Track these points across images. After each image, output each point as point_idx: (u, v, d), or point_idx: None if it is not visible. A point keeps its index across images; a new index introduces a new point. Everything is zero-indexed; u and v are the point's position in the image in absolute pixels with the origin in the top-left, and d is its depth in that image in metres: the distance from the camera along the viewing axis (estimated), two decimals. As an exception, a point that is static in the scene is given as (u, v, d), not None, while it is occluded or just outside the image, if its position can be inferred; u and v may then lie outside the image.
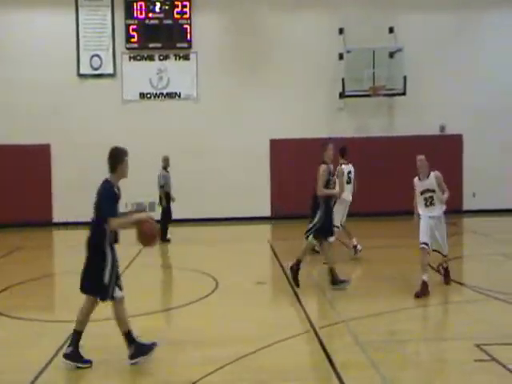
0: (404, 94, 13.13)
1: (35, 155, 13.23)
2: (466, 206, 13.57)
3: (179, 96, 13.64)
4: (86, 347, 4.49)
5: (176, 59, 13.61)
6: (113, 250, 4.44)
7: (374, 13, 13.35)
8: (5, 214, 12.78)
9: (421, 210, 6.21)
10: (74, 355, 4.40)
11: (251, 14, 13.62)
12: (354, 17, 13.38)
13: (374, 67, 12.98)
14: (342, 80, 13.06)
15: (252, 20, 13.65)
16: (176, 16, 13.34)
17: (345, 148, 8.47)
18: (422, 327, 5.68)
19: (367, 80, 12.90)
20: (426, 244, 6.09)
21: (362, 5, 13.43)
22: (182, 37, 13.39)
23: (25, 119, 13.21)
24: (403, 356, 4.66)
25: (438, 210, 6.14)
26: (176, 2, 13.33)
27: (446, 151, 13.02)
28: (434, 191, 6.10)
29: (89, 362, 4.43)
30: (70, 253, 10.09)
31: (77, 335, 4.44)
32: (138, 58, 13.56)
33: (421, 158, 6.16)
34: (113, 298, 4.40)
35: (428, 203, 6.12)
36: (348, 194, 8.32)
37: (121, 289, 4.47)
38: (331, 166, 6.74)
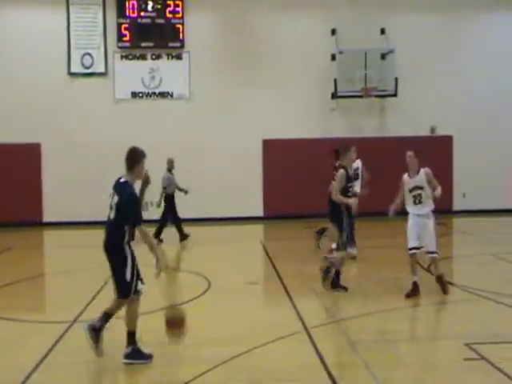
0: (395, 95, 13.24)
1: (25, 154, 13.10)
2: (456, 207, 13.70)
3: (171, 96, 13.60)
4: (79, 346, 4.46)
5: (168, 59, 13.57)
6: (130, 247, 4.51)
7: (366, 14, 13.43)
8: (-6, 214, 12.66)
9: (409, 207, 6.21)
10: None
11: (244, 13, 13.62)
12: (347, 18, 13.44)
13: (366, 68, 13.07)
14: (335, 81, 13.12)
15: (245, 20, 13.65)
16: (168, 15, 13.29)
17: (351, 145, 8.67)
18: (412, 327, 5.73)
19: (359, 81, 12.99)
20: (415, 250, 6.12)
21: (355, 6, 13.50)
22: (175, 36, 13.34)
23: (15, 118, 13.07)
24: (394, 356, 4.70)
25: (427, 208, 6.14)
26: (168, 2, 13.26)
27: (436, 152, 13.13)
28: (422, 188, 6.09)
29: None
30: (60, 253, 10.04)
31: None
32: (130, 57, 13.49)
33: (410, 154, 6.14)
34: (136, 292, 4.45)
35: (417, 201, 6.12)
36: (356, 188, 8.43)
37: (142, 282, 4.57)
38: (350, 171, 6.50)
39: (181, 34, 13.34)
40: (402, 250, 6.33)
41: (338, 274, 6.54)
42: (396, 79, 13.12)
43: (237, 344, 4.81)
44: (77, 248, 10.25)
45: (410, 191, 6.16)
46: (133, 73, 13.40)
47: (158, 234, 10.20)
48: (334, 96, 13.32)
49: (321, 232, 9.09)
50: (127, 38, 13.27)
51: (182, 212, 10.71)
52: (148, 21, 13.27)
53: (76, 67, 13.32)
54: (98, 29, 13.36)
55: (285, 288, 6.76)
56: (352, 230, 6.44)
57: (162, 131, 13.25)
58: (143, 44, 13.32)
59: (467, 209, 13.60)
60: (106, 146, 13.02)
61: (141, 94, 13.53)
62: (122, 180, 4.53)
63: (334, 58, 13.21)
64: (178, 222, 10.51)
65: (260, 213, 13.59)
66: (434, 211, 6.29)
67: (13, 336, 5.24)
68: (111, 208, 4.46)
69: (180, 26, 13.34)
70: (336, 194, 6.34)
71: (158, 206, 10.49)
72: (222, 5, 13.53)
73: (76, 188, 13.00)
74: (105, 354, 4.58)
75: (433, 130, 13.94)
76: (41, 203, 13.24)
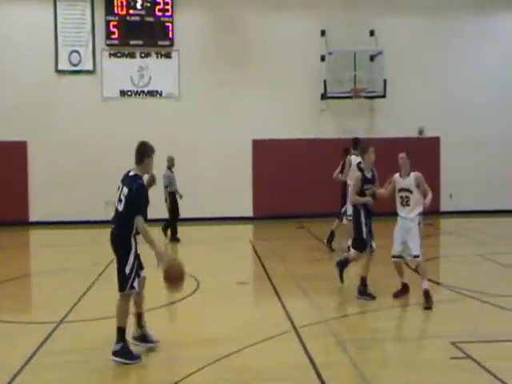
0: (384, 96, 13.35)
1: (11, 153, 12.90)
2: (443, 208, 13.85)
3: (160, 94, 13.52)
4: (65, 347, 4.41)
5: (157, 57, 13.49)
6: (136, 241, 4.49)
7: (355, 16, 13.50)
8: (-21, 213, 12.45)
9: (398, 209, 6.23)
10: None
11: (234, 13, 13.60)
12: (336, 19, 13.51)
13: (355, 69, 13.15)
14: (324, 81, 13.18)
15: (235, 19, 13.63)
16: (158, 13, 13.21)
17: (358, 139, 8.79)
18: (400, 326, 5.77)
19: (348, 82, 13.06)
20: (398, 257, 6.16)
21: (344, 7, 13.57)
22: (164, 34, 13.26)
23: (0, 116, 12.88)
24: (382, 354, 4.74)
25: (414, 212, 6.10)
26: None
27: (424, 153, 13.26)
28: (410, 192, 6.11)
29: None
30: (47, 253, 9.90)
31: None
32: (119, 54, 13.38)
33: (402, 155, 6.15)
34: (132, 288, 4.41)
35: (404, 203, 6.13)
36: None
37: (140, 275, 4.54)
38: (366, 173, 6.30)
39: (170, 33, 13.27)
40: (388, 250, 6.35)
41: (344, 264, 6.53)
42: (385, 81, 13.23)
43: (226, 344, 4.80)
44: (64, 248, 10.13)
45: (399, 191, 6.19)
46: (121, 71, 13.29)
47: (173, 234, 10.40)
48: (324, 97, 13.38)
49: (330, 240, 9.11)
50: (116, 36, 13.15)
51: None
52: (137, 18, 13.17)
53: (63, 65, 13.16)
54: (86, 26, 13.22)
55: (274, 288, 6.76)
56: (370, 229, 6.36)
57: (150, 130, 13.13)
58: (132, 42, 13.22)
59: (454, 210, 13.76)
60: (94, 145, 12.90)
61: (129, 93, 13.43)
62: (131, 173, 4.56)
63: (323, 58, 13.26)
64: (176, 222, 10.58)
65: (250, 213, 13.58)
66: (422, 213, 6.31)
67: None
68: (120, 200, 4.47)
69: (169, 24, 13.27)
70: (352, 199, 6.35)
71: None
72: (212, 3, 13.50)
73: (63, 187, 12.84)
74: (92, 354, 4.53)
75: (421, 131, 14.07)
76: (27, 202, 13.06)
